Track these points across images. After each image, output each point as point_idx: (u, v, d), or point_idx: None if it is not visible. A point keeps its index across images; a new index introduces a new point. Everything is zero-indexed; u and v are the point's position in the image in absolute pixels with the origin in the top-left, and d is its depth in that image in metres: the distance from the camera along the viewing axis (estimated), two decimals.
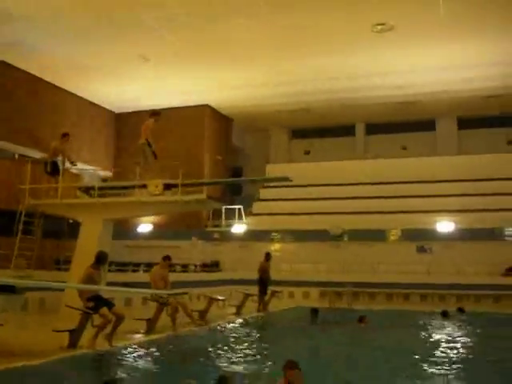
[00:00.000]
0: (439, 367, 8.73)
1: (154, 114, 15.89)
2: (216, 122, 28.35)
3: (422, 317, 16.51)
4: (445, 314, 16.29)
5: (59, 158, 16.14)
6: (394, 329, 13.90)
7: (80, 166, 20.08)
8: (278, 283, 19.21)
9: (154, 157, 15.02)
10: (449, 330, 14.10)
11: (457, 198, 23.94)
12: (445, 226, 22.98)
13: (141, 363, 8.73)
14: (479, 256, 21.43)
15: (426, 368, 8.63)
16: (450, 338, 12.26)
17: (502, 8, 16.60)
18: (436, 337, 12.54)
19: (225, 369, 7.91)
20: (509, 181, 23.99)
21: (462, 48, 19.65)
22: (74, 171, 18.99)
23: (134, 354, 9.33)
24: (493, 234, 22.16)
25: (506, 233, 22.38)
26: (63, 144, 16.42)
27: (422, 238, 22.95)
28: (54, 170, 15.81)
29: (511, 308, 18.80)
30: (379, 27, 18.04)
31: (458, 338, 12.26)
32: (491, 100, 25.02)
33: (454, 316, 16.33)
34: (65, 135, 16.57)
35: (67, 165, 16.63)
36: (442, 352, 10.24)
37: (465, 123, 28.15)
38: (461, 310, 17.34)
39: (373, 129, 29.75)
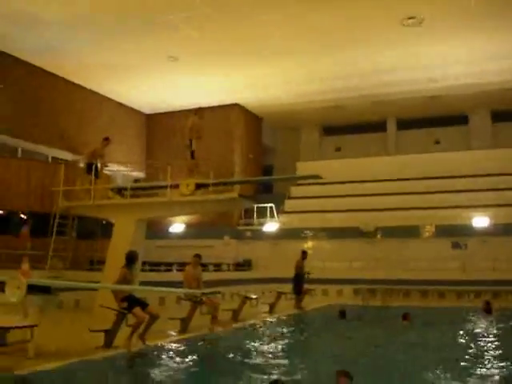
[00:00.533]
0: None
1: (196, 111, 15.68)
2: (246, 121, 28.38)
3: (463, 313, 16.28)
4: (488, 311, 15.96)
5: (98, 161, 16.36)
6: (441, 326, 13.67)
7: (112, 167, 20.31)
8: (312, 281, 19.11)
9: (190, 156, 14.93)
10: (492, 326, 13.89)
11: (491, 192, 23.54)
12: (479, 221, 22.60)
13: (175, 362, 8.73)
14: None
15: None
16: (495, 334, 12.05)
17: None
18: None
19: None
20: None
21: (493, 39, 19.36)
22: (107, 172, 19.18)
23: (168, 353, 9.36)
24: None
25: None
26: (103, 148, 16.64)
27: (456, 233, 22.59)
28: (94, 172, 16.01)
29: None
30: (409, 21, 17.89)
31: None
32: None
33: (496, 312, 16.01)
34: (106, 139, 16.77)
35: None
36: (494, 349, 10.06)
37: (499, 116, 27.65)
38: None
39: (404, 124, 29.44)
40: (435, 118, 28.22)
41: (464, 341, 11.34)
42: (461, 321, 14.80)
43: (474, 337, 11.78)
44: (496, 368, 8.43)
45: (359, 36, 19.04)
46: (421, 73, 22.52)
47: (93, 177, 15.66)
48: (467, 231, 22.54)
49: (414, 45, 19.77)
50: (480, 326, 13.83)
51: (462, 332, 12.44)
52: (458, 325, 13.84)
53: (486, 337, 11.78)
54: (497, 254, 21.13)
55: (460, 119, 28.32)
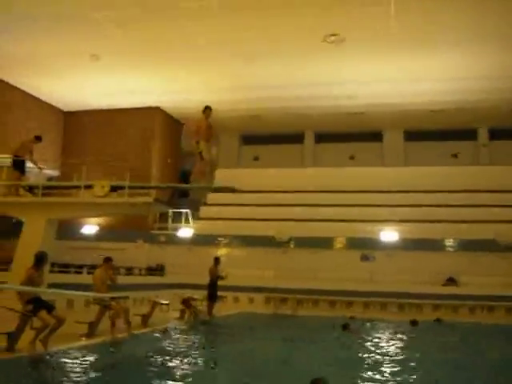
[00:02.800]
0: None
1: (204, 109, 14.33)
2: (166, 125, 28.22)
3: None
4: (414, 323, 16.90)
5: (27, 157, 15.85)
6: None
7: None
8: (223, 288, 19.22)
9: (200, 157, 13.77)
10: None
11: (401, 208, 24.45)
12: (388, 235, 23.44)
13: (77, 367, 8.52)
14: (421, 266, 21.98)
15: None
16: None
17: (452, 25, 17.12)
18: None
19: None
20: (452, 193, 24.61)
21: (411, 62, 20.12)
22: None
23: (72, 358, 9.14)
24: (434, 245, 22.76)
25: (447, 244, 23.01)
26: (32, 144, 16.09)
27: (366, 246, 23.35)
28: (21, 168, 15.48)
29: (450, 316, 19.37)
30: (332, 38, 18.31)
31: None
32: (437, 114, 25.71)
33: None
34: (37, 138, 16.29)
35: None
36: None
37: (411, 136, 28.81)
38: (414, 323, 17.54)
39: (322, 138, 30.15)
40: (352, 134, 29.02)
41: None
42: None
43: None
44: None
45: (282, 49, 19.34)
46: (340, 89, 23.07)
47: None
48: (376, 244, 23.33)
49: (334, 61, 20.23)
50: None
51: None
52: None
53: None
54: (404, 268, 22.03)
55: (375, 136, 29.28)
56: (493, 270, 21.35)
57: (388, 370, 9.20)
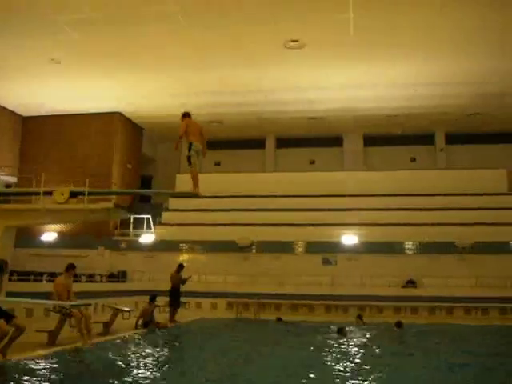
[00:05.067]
0: None
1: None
2: (127, 131, 28.04)
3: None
4: (399, 325, 16.97)
5: None
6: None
7: None
8: (186, 294, 19.18)
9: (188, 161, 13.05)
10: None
11: (361, 212, 24.78)
12: (349, 239, 23.71)
13: (37, 377, 8.38)
14: (381, 269, 22.29)
15: None
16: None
17: (408, 31, 17.45)
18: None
19: None
20: (410, 197, 25.05)
21: (369, 68, 20.49)
22: None
23: (32, 368, 8.98)
24: (394, 248, 23.12)
25: (406, 247, 23.40)
26: None
27: (327, 250, 23.57)
28: None
29: (410, 319, 19.65)
30: (292, 43, 18.47)
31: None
32: (394, 119, 26.20)
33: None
34: None
35: None
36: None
37: (370, 140, 29.26)
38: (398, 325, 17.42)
39: (283, 143, 30.37)
40: (312, 139, 29.35)
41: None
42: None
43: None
44: None
45: (243, 54, 19.42)
46: (300, 94, 23.29)
47: None
48: (337, 248, 23.57)
49: (295, 67, 20.40)
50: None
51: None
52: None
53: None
54: (364, 271, 22.32)
55: (335, 141, 29.62)
56: (452, 272, 21.81)
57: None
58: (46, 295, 12.96)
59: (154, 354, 11.31)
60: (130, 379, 8.42)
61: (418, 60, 19.66)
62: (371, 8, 16.17)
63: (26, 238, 21.75)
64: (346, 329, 15.66)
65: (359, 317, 18.71)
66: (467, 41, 18.09)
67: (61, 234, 25.17)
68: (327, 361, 10.64)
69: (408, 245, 23.45)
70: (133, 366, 9.57)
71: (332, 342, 13.49)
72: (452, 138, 28.61)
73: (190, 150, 12.74)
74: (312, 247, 23.79)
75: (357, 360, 10.78)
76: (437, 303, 20.94)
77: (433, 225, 23.49)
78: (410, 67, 20.34)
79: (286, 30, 17.71)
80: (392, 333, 16.36)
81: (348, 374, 9.12)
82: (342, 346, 12.88)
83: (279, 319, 19.53)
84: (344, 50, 19.02)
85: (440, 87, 22.18)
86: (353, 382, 8.50)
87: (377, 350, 12.48)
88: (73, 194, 14.12)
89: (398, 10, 16.28)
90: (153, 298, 16.65)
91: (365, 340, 14.48)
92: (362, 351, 12.18)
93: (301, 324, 18.44)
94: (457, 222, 23.33)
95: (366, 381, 8.58)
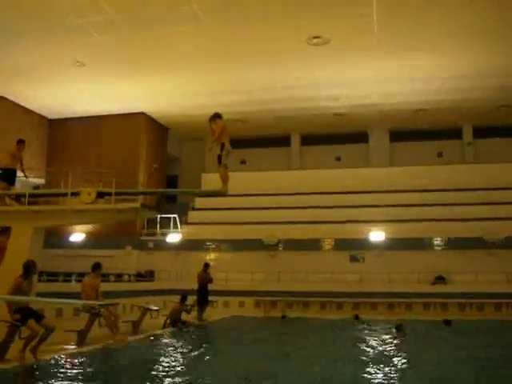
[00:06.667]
0: None
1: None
2: (152, 131, 28.15)
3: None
4: (447, 323, 16.92)
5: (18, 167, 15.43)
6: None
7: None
8: (214, 293, 19.22)
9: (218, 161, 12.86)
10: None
11: (388, 208, 24.56)
12: (376, 235, 23.52)
13: (68, 377, 8.43)
14: (409, 265, 22.06)
15: None
16: None
17: (434, 25, 17.19)
18: None
19: None
20: (438, 192, 24.79)
21: (394, 63, 20.21)
22: None
23: (62, 367, 9.05)
24: (421, 244, 22.87)
25: (434, 242, 23.13)
26: (20, 151, 15.54)
27: (354, 247, 23.41)
28: (10, 178, 15.10)
29: (439, 316, 19.39)
30: (315, 40, 18.35)
31: None
32: (421, 114, 25.86)
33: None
34: (21, 142, 15.31)
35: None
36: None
37: (396, 136, 28.95)
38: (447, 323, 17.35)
39: (308, 140, 30.19)
40: (337, 135, 29.10)
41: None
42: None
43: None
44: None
45: (266, 52, 19.31)
46: (325, 91, 23.15)
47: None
48: (365, 245, 23.40)
49: (318, 63, 20.27)
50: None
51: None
52: None
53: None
54: (392, 268, 22.10)
55: (360, 137, 29.36)
56: (481, 268, 21.50)
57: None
58: (76, 295, 13.05)
59: (188, 351, 11.35)
60: (157, 377, 8.42)
61: (446, 53, 19.34)
62: (395, 1, 15.99)
63: (54, 238, 22.01)
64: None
65: (356, 317, 19.08)
66: (495, 33, 17.77)
67: (88, 234, 25.39)
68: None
69: (436, 241, 23.20)
70: (173, 364, 9.58)
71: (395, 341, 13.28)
72: (480, 132, 28.14)
73: (222, 149, 12.62)
74: (339, 244, 23.65)
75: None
76: (466, 300, 20.64)
77: (461, 220, 23.17)
78: (437, 60, 19.99)
79: (309, 27, 17.58)
80: (442, 331, 15.96)
81: None
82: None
83: (284, 317, 20.01)
84: (368, 45, 18.77)
85: (468, 80, 21.83)
86: None
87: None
88: (100, 195, 14.18)
89: (424, 2, 16.06)
90: (184, 299, 16.73)
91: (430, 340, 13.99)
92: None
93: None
94: (486, 216, 22.98)
95: None
